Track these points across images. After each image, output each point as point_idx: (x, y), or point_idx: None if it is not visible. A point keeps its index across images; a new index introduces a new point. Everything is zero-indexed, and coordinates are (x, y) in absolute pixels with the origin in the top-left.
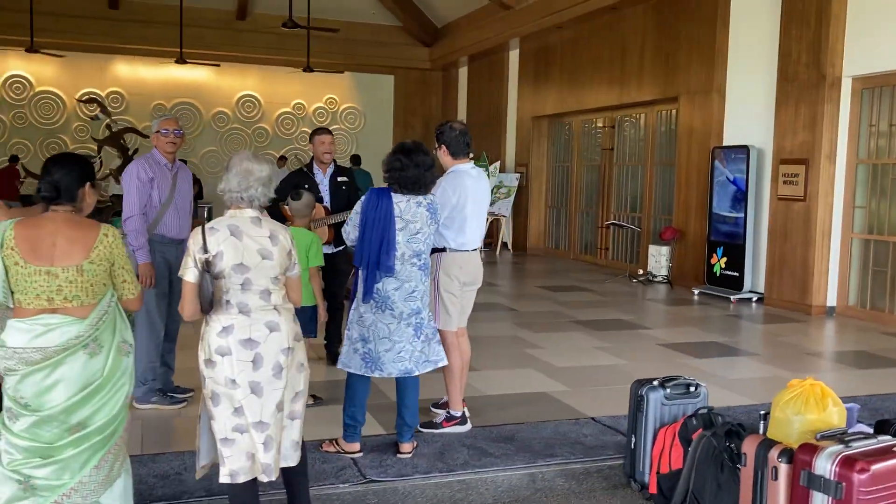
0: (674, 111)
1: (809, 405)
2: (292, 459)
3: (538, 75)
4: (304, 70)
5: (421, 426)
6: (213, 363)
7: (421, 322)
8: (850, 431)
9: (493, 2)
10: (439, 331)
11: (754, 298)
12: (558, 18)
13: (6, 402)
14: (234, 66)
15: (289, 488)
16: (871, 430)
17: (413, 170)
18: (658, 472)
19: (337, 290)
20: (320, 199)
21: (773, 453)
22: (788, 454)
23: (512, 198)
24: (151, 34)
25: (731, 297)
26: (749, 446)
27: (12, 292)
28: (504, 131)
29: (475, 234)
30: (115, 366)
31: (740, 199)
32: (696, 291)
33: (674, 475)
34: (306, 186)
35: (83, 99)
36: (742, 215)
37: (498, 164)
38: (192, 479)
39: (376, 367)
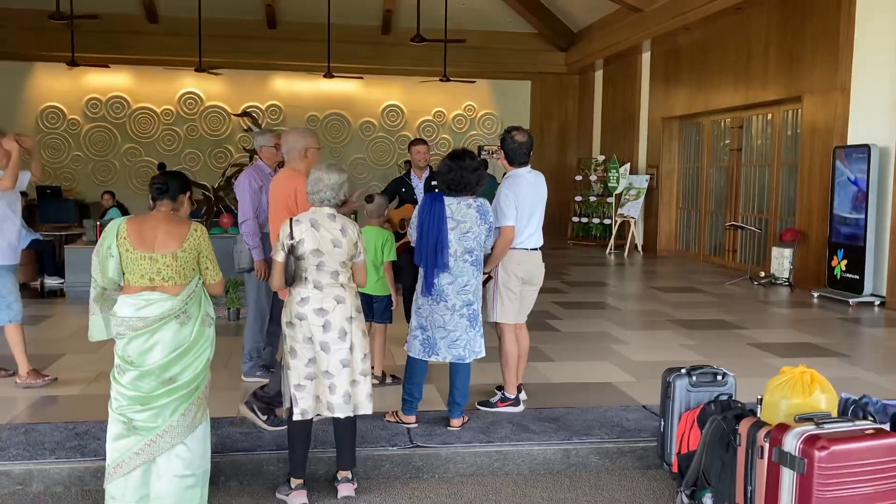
0: (798, 110)
1: (796, 390)
2: (367, 408)
3: (668, 77)
4: (441, 80)
5: (478, 404)
6: (293, 325)
7: (474, 314)
8: (833, 416)
9: (624, 6)
10: (497, 323)
11: (877, 302)
12: (685, 20)
13: (116, 360)
14: (379, 78)
15: (339, 443)
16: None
17: (457, 171)
18: (678, 453)
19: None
20: (414, 202)
21: (761, 434)
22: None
23: (641, 199)
24: (304, 51)
25: (851, 301)
26: (743, 428)
27: (123, 273)
28: (637, 133)
29: (534, 234)
30: (199, 333)
31: (861, 199)
32: (816, 294)
33: (691, 455)
34: (403, 189)
35: (238, 113)
36: (863, 216)
37: (628, 165)
38: (268, 434)
39: (433, 352)
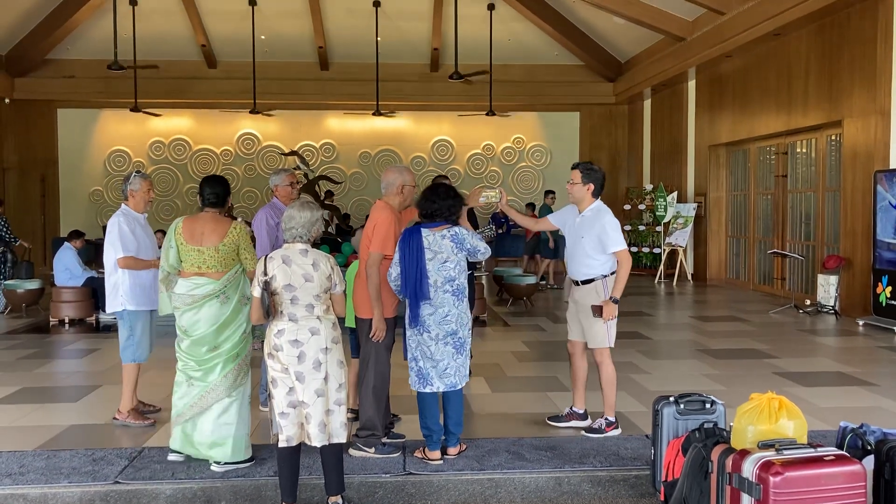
0: (839, 135)
1: (762, 417)
2: (342, 437)
3: (713, 104)
4: (487, 114)
5: (585, 431)
6: (272, 356)
7: (460, 341)
8: (794, 443)
9: (669, 35)
10: (595, 349)
11: None
12: (726, 47)
13: (178, 331)
14: (429, 114)
15: (324, 469)
16: None
17: (427, 199)
18: (665, 481)
19: None
20: None
21: (728, 460)
22: None
23: (689, 228)
24: (355, 90)
25: None
26: (715, 454)
27: (181, 261)
28: (685, 161)
29: None
30: (236, 310)
31: None
32: (861, 322)
33: (675, 483)
34: None
35: (286, 153)
36: None
37: (675, 194)
38: (270, 459)
39: (427, 382)
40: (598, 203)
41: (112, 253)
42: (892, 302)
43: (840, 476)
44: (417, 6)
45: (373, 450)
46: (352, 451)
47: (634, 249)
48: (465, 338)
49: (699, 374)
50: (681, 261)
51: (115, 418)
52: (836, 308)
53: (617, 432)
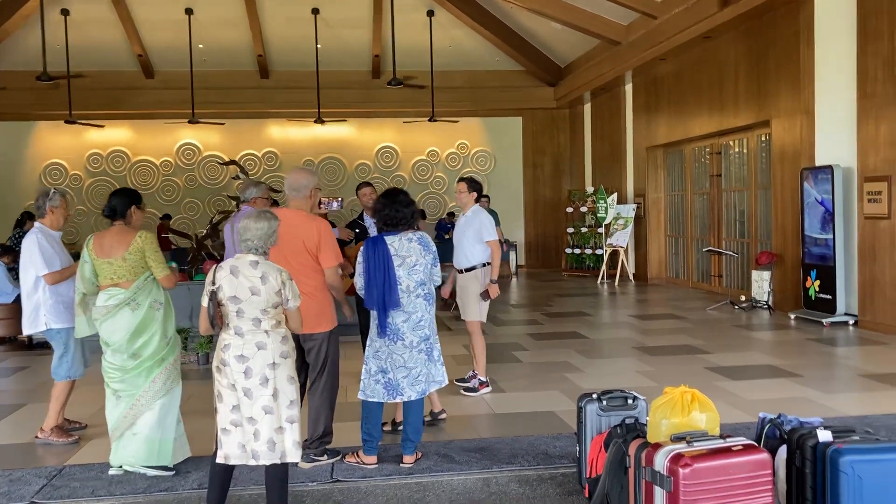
0: (769, 134)
1: (675, 410)
2: (295, 456)
3: (650, 107)
4: (430, 120)
5: (464, 390)
6: (219, 370)
7: (431, 347)
8: (705, 435)
9: (604, 39)
10: (470, 322)
11: (850, 322)
12: (659, 50)
13: (101, 344)
14: (372, 121)
15: (267, 488)
16: None
17: (391, 207)
18: (589, 478)
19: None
20: None
21: (643, 454)
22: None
23: (629, 228)
24: (297, 98)
25: (825, 321)
26: (632, 449)
27: (97, 275)
28: (624, 163)
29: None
30: (148, 316)
31: (829, 219)
32: (793, 316)
33: (598, 479)
34: (357, 230)
35: (224, 162)
36: (831, 236)
37: (615, 196)
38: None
39: (397, 392)
40: (476, 206)
41: (32, 272)
42: (821, 295)
43: (747, 465)
44: (356, 13)
45: (325, 457)
46: (302, 465)
47: (578, 251)
48: (433, 343)
49: (633, 371)
50: (622, 261)
51: (37, 437)
52: (770, 303)
53: (488, 390)
